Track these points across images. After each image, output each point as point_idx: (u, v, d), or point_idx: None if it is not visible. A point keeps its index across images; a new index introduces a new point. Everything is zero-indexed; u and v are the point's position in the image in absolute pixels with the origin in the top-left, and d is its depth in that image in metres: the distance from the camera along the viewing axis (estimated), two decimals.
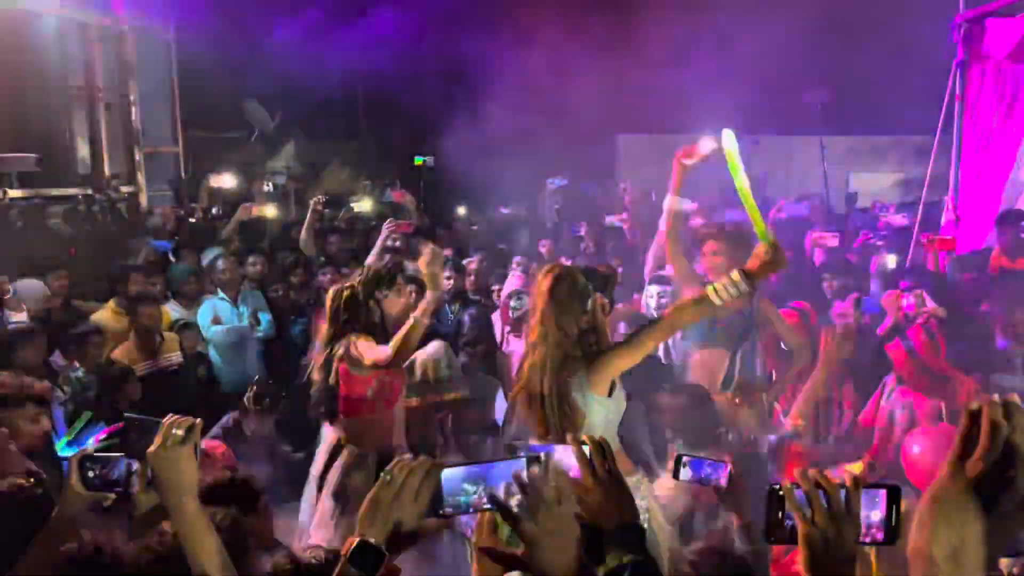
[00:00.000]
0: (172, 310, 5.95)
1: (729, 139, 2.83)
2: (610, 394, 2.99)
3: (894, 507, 1.35)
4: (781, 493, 1.35)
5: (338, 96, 14.40)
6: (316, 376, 3.96)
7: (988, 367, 4.57)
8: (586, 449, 1.57)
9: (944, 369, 4.30)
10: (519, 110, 11.29)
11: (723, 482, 2.31)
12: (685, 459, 2.33)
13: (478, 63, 12.16)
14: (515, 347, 5.59)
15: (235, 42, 11.40)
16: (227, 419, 4.20)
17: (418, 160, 11.12)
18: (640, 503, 3.02)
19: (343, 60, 12.05)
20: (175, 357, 5.41)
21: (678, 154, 3.88)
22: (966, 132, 6.63)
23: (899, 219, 8.23)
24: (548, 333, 2.96)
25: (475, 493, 1.53)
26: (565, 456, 1.57)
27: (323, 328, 3.99)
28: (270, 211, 8.46)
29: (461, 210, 11.06)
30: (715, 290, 2.78)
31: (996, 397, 0.93)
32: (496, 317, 5.75)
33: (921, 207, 7.07)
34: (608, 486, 1.52)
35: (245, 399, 4.25)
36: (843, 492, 1.28)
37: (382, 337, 3.82)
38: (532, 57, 11.60)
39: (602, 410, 2.97)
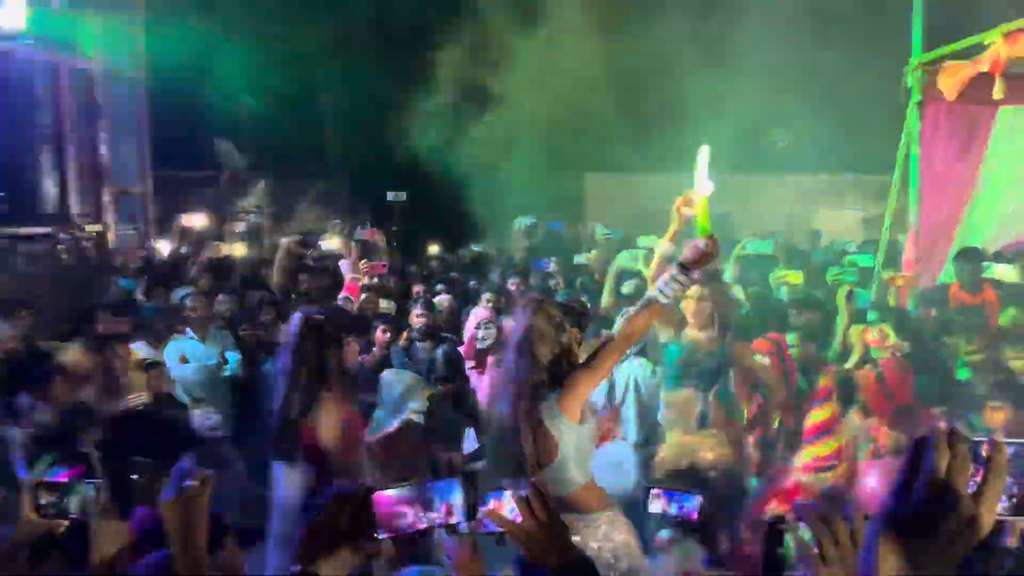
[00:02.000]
0: (139, 349, 5.88)
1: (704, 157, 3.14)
2: (581, 421, 3.03)
3: None
4: (781, 528, 1.36)
5: (309, 135, 14.47)
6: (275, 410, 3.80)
7: (949, 401, 4.66)
8: (525, 493, 1.60)
9: (909, 401, 4.40)
10: (488, 148, 11.44)
11: (694, 516, 2.32)
12: (655, 491, 2.34)
13: (448, 103, 12.32)
14: (476, 383, 5.60)
15: (206, 81, 11.44)
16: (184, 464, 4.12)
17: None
18: (617, 537, 3.05)
19: (312, 98, 12.13)
20: (142, 397, 5.33)
21: (679, 202, 3.97)
22: (924, 171, 6.82)
23: (862, 257, 8.40)
24: (521, 364, 3.00)
25: (412, 515, 1.57)
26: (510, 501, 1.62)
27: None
28: (239, 250, 8.43)
29: (433, 248, 11.10)
30: (660, 290, 2.97)
31: (942, 425, 0.97)
32: (463, 350, 5.77)
33: (883, 245, 7.23)
34: (547, 528, 1.57)
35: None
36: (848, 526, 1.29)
37: (340, 381, 3.75)
38: (498, 96, 11.80)
39: (574, 437, 3.01)
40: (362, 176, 14.91)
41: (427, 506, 1.60)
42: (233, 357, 6.21)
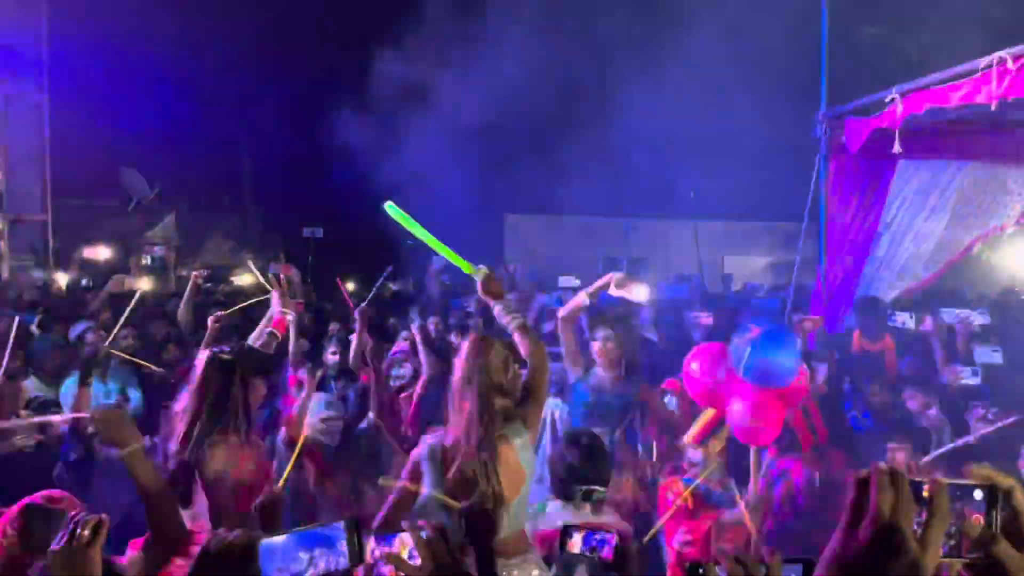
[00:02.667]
0: (31, 387, 5.54)
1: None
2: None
3: None
4: (702, 571, 1.35)
5: (223, 168, 14.14)
6: (171, 449, 3.61)
7: (847, 443, 4.82)
8: (424, 535, 1.55)
9: (824, 440, 4.51)
10: (407, 186, 11.37)
11: (609, 555, 2.29)
12: (572, 530, 2.30)
13: (365, 138, 12.22)
14: (405, 412, 5.49)
15: (113, 107, 11.06)
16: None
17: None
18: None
19: (229, 131, 11.87)
20: (31, 439, 4.99)
21: (612, 279, 4.30)
22: (829, 220, 7.11)
23: (771, 301, 8.68)
24: (492, 398, 3.03)
25: (309, 559, 1.52)
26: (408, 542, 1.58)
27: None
28: (144, 284, 8.09)
29: (350, 285, 10.91)
30: (513, 319, 3.40)
31: (882, 465, 0.96)
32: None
33: (791, 290, 7.48)
34: (447, 570, 1.52)
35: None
36: (763, 569, 1.29)
37: (244, 422, 3.59)
38: (418, 135, 11.79)
39: (531, 466, 3.07)
40: (277, 210, 14.64)
41: (318, 550, 1.54)
42: (135, 395, 5.91)
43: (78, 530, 1.74)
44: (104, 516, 1.81)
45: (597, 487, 3.24)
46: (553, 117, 12.67)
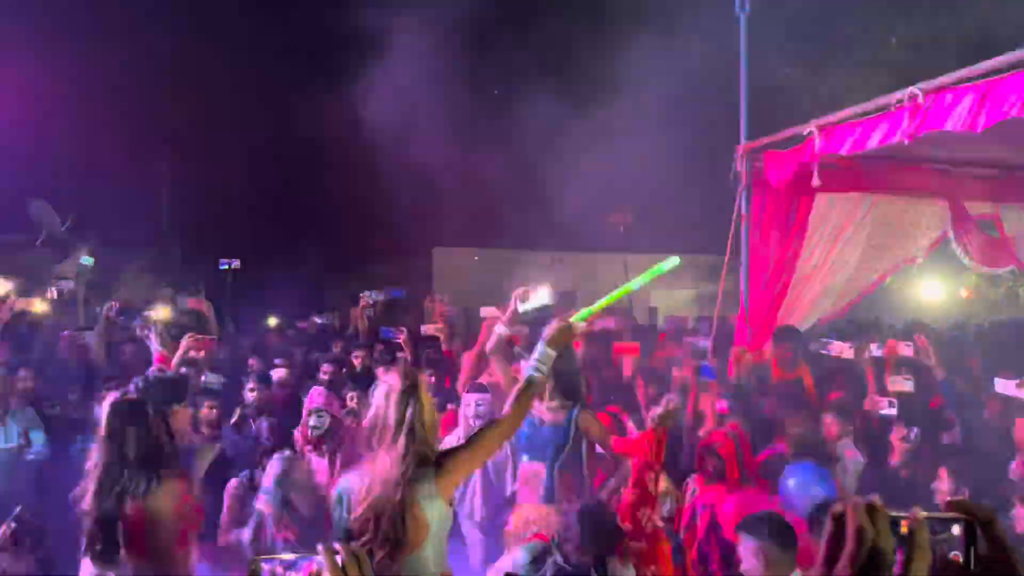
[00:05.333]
0: None
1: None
2: (450, 504, 2.92)
3: None
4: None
5: (139, 199, 13.68)
6: (87, 506, 3.36)
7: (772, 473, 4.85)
8: (339, 559, 1.43)
9: (754, 471, 4.52)
10: (330, 220, 11.20)
11: None
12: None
13: (288, 170, 12.02)
14: (316, 465, 5.27)
15: (21, 135, 10.59)
16: None
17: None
18: None
19: (147, 160, 11.50)
20: None
21: (519, 293, 4.35)
22: (751, 252, 7.24)
23: (699, 337, 8.76)
24: (412, 439, 2.85)
25: None
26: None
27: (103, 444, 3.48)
28: (38, 305, 7.57)
29: (272, 320, 10.62)
30: (535, 368, 3.10)
31: (859, 500, 0.91)
32: (297, 433, 5.40)
33: (715, 321, 7.57)
34: None
35: (0, 535, 3.64)
36: None
37: (171, 458, 3.41)
38: (342, 166, 11.66)
39: (441, 521, 2.86)
40: (196, 243, 14.21)
41: None
42: (39, 437, 5.56)
43: None
44: None
45: None
46: (481, 150, 12.69)
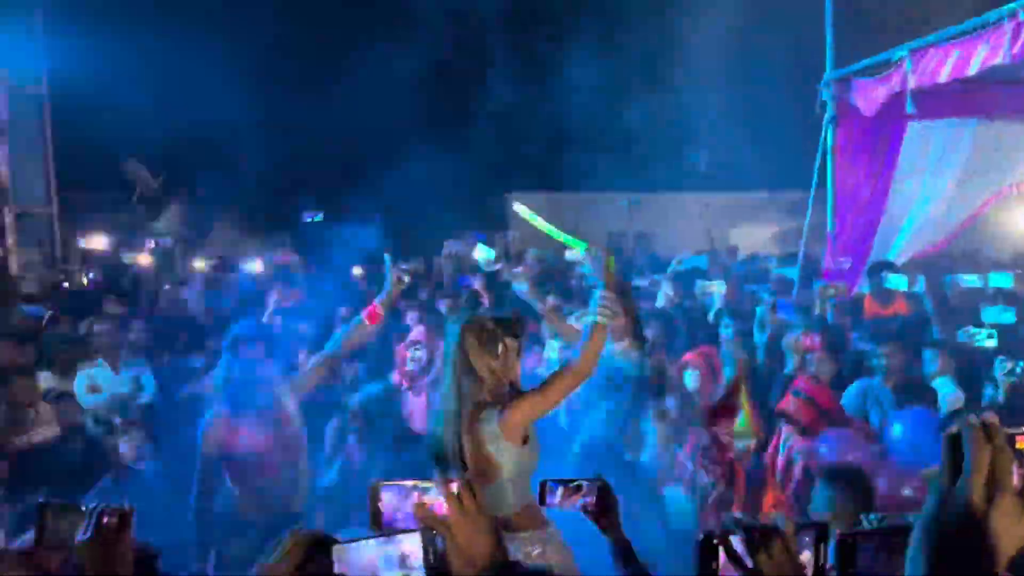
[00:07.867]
0: (45, 380, 5.52)
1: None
2: (524, 442, 2.95)
3: (822, 546, 1.34)
4: (716, 542, 1.29)
5: (224, 157, 14.07)
6: None
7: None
8: (454, 487, 1.51)
9: (836, 412, 4.46)
10: (408, 168, 11.30)
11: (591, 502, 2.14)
12: (551, 484, 2.22)
13: (367, 122, 12.15)
14: (413, 406, 5.45)
15: (114, 98, 10.98)
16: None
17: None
18: (553, 557, 2.97)
19: (230, 120, 11.80)
20: (50, 431, 4.98)
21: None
22: (838, 186, 7.03)
23: (782, 271, 8.57)
24: (460, 382, 2.92)
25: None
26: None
27: None
28: (142, 259, 7.98)
29: (357, 270, 10.86)
30: (600, 315, 3.04)
31: (972, 419, 0.92)
32: (395, 373, 5.60)
33: (801, 257, 7.41)
34: (476, 523, 1.49)
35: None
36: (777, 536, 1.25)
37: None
38: (422, 115, 11.72)
39: (515, 459, 2.92)
40: (278, 197, 14.58)
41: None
42: (149, 381, 5.92)
43: (104, 519, 1.71)
44: (128, 506, 1.77)
45: None
46: (555, 95, 12.56)
